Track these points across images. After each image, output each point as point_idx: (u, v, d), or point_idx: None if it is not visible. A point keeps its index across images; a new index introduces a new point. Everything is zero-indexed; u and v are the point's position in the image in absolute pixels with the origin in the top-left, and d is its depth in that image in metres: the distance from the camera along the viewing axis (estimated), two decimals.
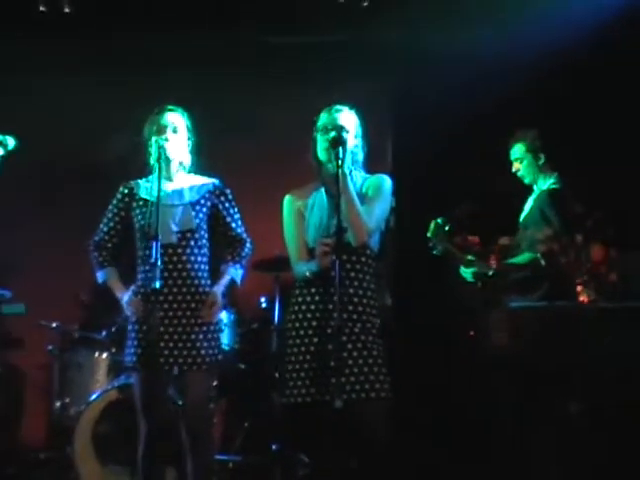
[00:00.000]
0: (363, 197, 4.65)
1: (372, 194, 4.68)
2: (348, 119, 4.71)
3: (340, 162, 4.48)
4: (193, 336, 5.00)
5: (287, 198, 4.82)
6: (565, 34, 6.55)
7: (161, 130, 5.07)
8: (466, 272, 5.96)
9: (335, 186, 4.45)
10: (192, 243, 5.06)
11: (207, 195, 5.18)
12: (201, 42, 7.40)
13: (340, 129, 4.62)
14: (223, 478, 6.36)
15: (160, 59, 7.37)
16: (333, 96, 4.85)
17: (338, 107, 4.74)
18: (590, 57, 6.64)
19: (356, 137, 4.72)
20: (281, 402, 4.70)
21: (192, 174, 5.24)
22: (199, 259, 5.09)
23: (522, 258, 5.83)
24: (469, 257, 5.95)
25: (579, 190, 5.92)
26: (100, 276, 5.23)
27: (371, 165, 4.87)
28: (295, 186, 4.86)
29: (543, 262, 5.61)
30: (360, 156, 4.76)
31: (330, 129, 4.63)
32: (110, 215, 5.24)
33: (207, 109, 5.30)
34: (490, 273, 5.88)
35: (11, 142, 4.45)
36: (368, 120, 4.83)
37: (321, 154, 4.67)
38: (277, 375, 6.45)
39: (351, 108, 4.78)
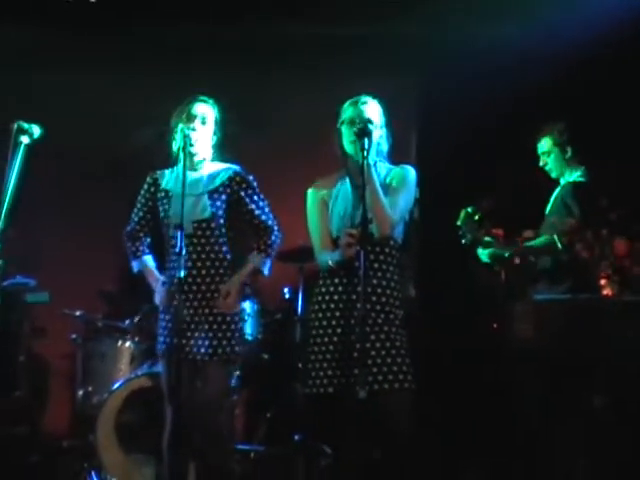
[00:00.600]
0: (387, 188, 4.66)
1: (396, 185, 4.68)
2: (374, 110, 4.72)
3: (365, 153, 4.48)
4: (207, 326, 4.98)
5: (311, 191, 4.82)
6: (589, 27, 6.52)
7: (190, 119, 5.06)
8: (483, 253, 5.92)
9: (360, 177, 4.46)
10: (208, 233, 5.02)
11: (227, 182, 5.12)
12: (221, 36, 7.42)
13: (367, 121, 4.62)
14: (246, 468, 6.36)
15: (181, 53, 7.39)
16: (356, 89, 4.84)
17: (364, 99, 4.74)
18: (616, 49, 6.61)
19: (381, 128, 4.73)
20: (304, 392, 4.68)
21: (216, 162, 5.22)
22: (216, 248, 5.05)
23: (539, 240, 5.81)
24: (486, 239, 5.91)
25: (605, 184, 5.89)
26: (135, 266, 5.24)
27: (395, 158, 4.87)
28: (317, 177, 4.86)
29: (559, 245, 5.58)
30: (384, 147, 4.77)
31: (357, 121, 4.63)
32: (139, 205, 5.25)
33: (227, 103, 5.28)
34: (507, 254, 5.85)
35: (37, 131, 4.46)
36: (392, 114, 4.83)
37: (347, 145, 4.68)
38: (300, 365, 6.45)
39: (374, 99, 4.79)
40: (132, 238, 5.25)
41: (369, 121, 4.63)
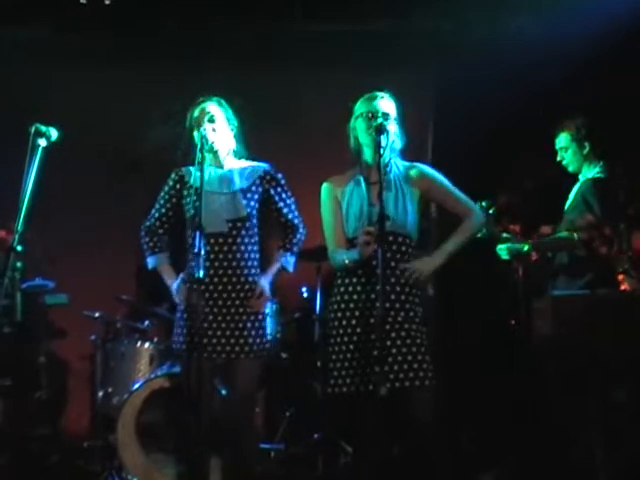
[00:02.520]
0: (409, 183, 4.68)
1: (443, 185, 4.75)
2: (389, 106, 4.71)
3: (382, 150, 4.49)
4: (241, 324, 5.01)
5: (325, 186, 4.82)
6: (611, 21, 6.50)
7: (200, 121, 5.09)
8: (501, 249, 5.90)
9: (376, 174, 4.45)
10: (243, 232, 5.05)
11: (258, 181, 5.16)
12: (238, 34, 7.43)
13: (383, 116, 4.62)
14: (266, 467, 6.38)
15: (201, 50, 7.40)
16: (372, 85, 4.84)
17: (379, 94, 4.74)
18: (635, 44, 6.58)
19: (396, 124, 4.72)
20: (326, 392, 4.69)
21: (242, 159, 5.23)
22: (249, 248, 5.09)
23: (557, 235, 5.79)
24: (504, 235, 5.91)
25: (623, 179, 5.87)
26: (150, 262, 5.25)
27: (411, 155, 4.88)
28: (335, 174, 4.87)
29: (577, 239, 5.57)
30: (398, 144, 4.76)
31: (372, 116, 4.63)
32: (162, 201, 5.26)
33: (245, 100, 5.30)
34: (525, 249, 5.83)
35: (54, 134, 4.47)
36: (408, 110, 4.82)
37: (364, 139, 4.68)
38: (319, 364, 6.46)
39: (390, 96, 4.78)
40: (150, 234, 5.26)
41: (385, 115, 4.63)
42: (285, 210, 5.23)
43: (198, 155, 4.92)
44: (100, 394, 6.52)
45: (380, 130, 4.52)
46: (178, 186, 5.21)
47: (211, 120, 5.10)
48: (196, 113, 5.12)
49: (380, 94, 4.74)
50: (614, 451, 5.25)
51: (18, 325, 6.64)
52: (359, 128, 4.70)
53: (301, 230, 5.27)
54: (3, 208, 4.93)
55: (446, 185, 4.75)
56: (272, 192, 5.19)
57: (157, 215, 5.25)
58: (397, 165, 4.75)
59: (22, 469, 6.38)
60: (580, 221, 5.61)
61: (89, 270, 7.22)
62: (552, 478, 5.48)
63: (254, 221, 5.12)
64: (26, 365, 6.82)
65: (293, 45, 7.53)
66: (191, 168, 5.20)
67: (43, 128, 4.42)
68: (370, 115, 4.65)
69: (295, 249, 5.26)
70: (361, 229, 4.54)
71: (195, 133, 5.05)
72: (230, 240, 5.02)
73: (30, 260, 6.43)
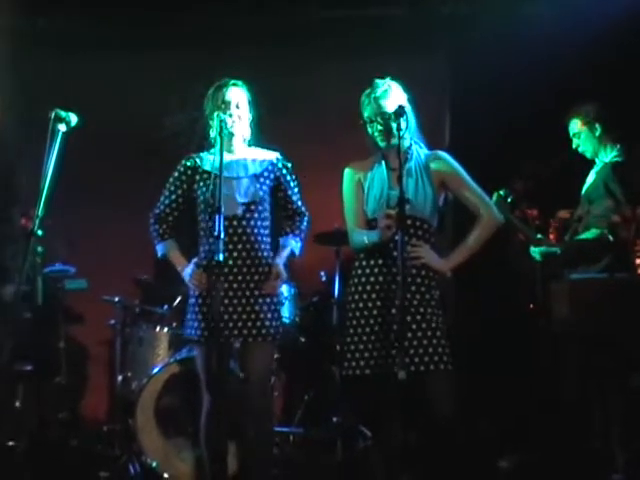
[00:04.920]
0: (430, 170, 4.69)
1: (462, 177, 4.75)
2: (392, 100, 4.67)
3: (402, 133, 4.50)
4: (257, 307, 5.01)
5: (347, 170, 4.84)
6: (623, 9, 6.48)
7: (223, 104, 5.09)
8: (535, 252, 5.93)
9: (396, 158, 4.46)
10: (256, 215, 5.07)
11: (270, 168, 5.19)
12: (257, 19, 7.43)
13: (391, 116, 4.60)
14: (284, 451, 6.40)
15: (218, 37, 7.42)
16: (388, 71, 4.84)
17: (378, 92, 4.68)
18: None
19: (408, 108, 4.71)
20: (342, 374, 4.69)
21: (253, 147, 5.25)
22: (262, 231, 5.10)
23: (590, 234, 5.74)
24: (538, 236, 5.92)
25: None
26: (160, 249, 5.24)
27: (428, 141, 4.88)
28: (352, 159, 4.88)
29: (611, 237, 5.56)
30: (413, 124, 4.74)
31: (383, 117, 4.63)
32: (172, 188, 5.24)
33: (262, 85, 5.30)
34: (559, 252, 5.84)
35: (74, 119, 4.47)
36: (425, 95, 4.83)
37: (380, 142, 4.70)
38: (337, 348, 6.48)
39: (392, 79, 4.77)
40: (160, 220, 5.24)
41: (391, 114, 4.60)
42: (294, 198, 5.27)
43: (218, 139, 4.93)
44: (119, 379, 6.56)
45: (397, 115, 4.52)
46: (190, 172, 5.20)
47: (237, 106, 5.12)
48: (224, 97, 5.11)
49: (378, 92, 4.70)
50: (632, 436, 5.26)
51: (39, 310, 6.68)
52: (369, 133, 4.72)
53: (307, 217, 5.31)
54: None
55: (465, 177, 4.75)
56: (282, 180, 5.23)
57: (167, 202, 5.24)
58: (419, 152, 4.75)
59: (42, 454, 6.42)
60: (605, 210, 5.60)
61: (108, 255, 7.27)
62: (570, 464, 5.49)
63: (266, 205, 5.13)
64: (46, 350, 6.85)
65: (310, 31, 7.52)
66: (202, 154, 5.22)
67: (63, 113, 4.42)
68: (372, 119, 4.67)
69: (302, 235, 5.31)
70: (380, 211, 4.56)
71: (215, 117, 5.04)
72: (244, 222, 5.04)
73: (50, 245, 6.47)
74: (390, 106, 4.63)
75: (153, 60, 7.51)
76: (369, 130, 4.71)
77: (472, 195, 4.74)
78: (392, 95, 4.69)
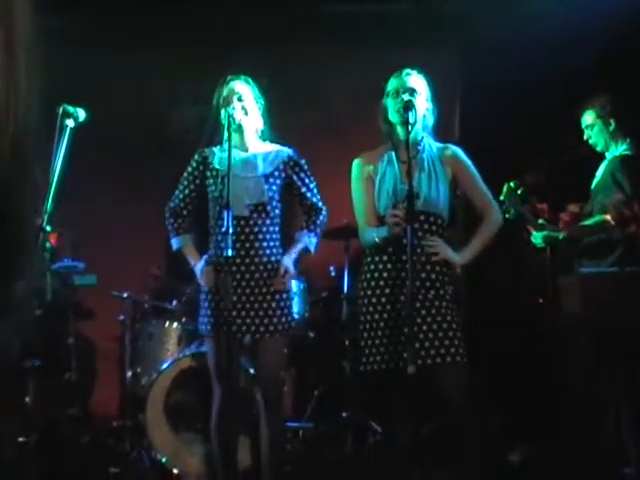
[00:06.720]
0: (442, 163, 4.68)
1: (471, 174, 4.75)
2: (418, 82, 4.70)
3: (410, 127, 4.49)
4: (265, 304, 5.02)
5: (356, 162, 4.82)
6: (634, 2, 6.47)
7: (229, 99, 5.08)
8: (537, 237, 5.89)
9: (405, 151, 4.46)
10: (263, 215, 5.05)
11: (281, 167, 5.16)
12: (265, 15, 7.43)
13: (411, 91, 4.61)
14: (294, 446, 6.41)
15: (230, 32, 7.41)
16: (399, 65, 4.83)
17: (408, 70, 4.73)
18: None
19: (427, 101, 4.71)
20: (356, 370, 4.70)
21: (267, 142, 5.24)
22: (270, 229, 5.09)
23: (592, 221, 5.75)
24: (540, 221, 5.89)
25: None
26: (175, 243, 5.25)
27: (438, 134, 4.88)
28: (363, 153, 4.86)
29: (613, 223, 5.54)
30: (430, 121, 4.75)
31: (401, 92, 4.63)
32: (185, 182, 5.25)
33: (272, 81, 5.30)
34: (561, 237, 5.82)
35: (82, 114, 4.46)
36: (435, 89, 4.81)
37: (393, 117, 4.67)
38: (347, 343, 6.48)
39: (419, 72, 4.77)
40: (175, 215, 5.24)
41: (413, 91, 4.62)
42: (308, 194, 5.23)
43: (225, 134, 4.93)
44: (129, 374, 6.56)
45: (408, 107, 4.52)
46: (201, 167, 5.21)
47: (240, 99, 5.10)
48: (225, 92, 5.11)
49: (408, 70, 4.73)
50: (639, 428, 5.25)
51: (48, 306, 6.68)
52: (389, 106, 4.70)
53: (323, 212, 5.27)
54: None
55: (476, 176, 4.75)
56: (295, 178, 5.20)
57: (181, 196, 5.24)
58: (430, 145, 4.74)
59: (52, 449, 6.42)
60: (611, 200, 5.58)
61: (117, 251, 7.27)
62: (581, 458, 5.48)
63: (274, 204, 5.11)
64: (56, 346, 6.85)
65: (321, 25, 7.51)
66: (214, 149, 5.21)
67: (71, 109, 4.41)
68: (399, 91, 4.65)
69: (318, 230, 5.26)
70: (390, 210, 4.55)
71: (222, 112, 5.04)
72: (251, 222, 5.03)
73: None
74: (413, 84, 4.65)
75: (167, 56, 7.51)
76: (391, 103, 4.68)
77: (480, 195, 4.74)
78: (416, 80, 4.71)
